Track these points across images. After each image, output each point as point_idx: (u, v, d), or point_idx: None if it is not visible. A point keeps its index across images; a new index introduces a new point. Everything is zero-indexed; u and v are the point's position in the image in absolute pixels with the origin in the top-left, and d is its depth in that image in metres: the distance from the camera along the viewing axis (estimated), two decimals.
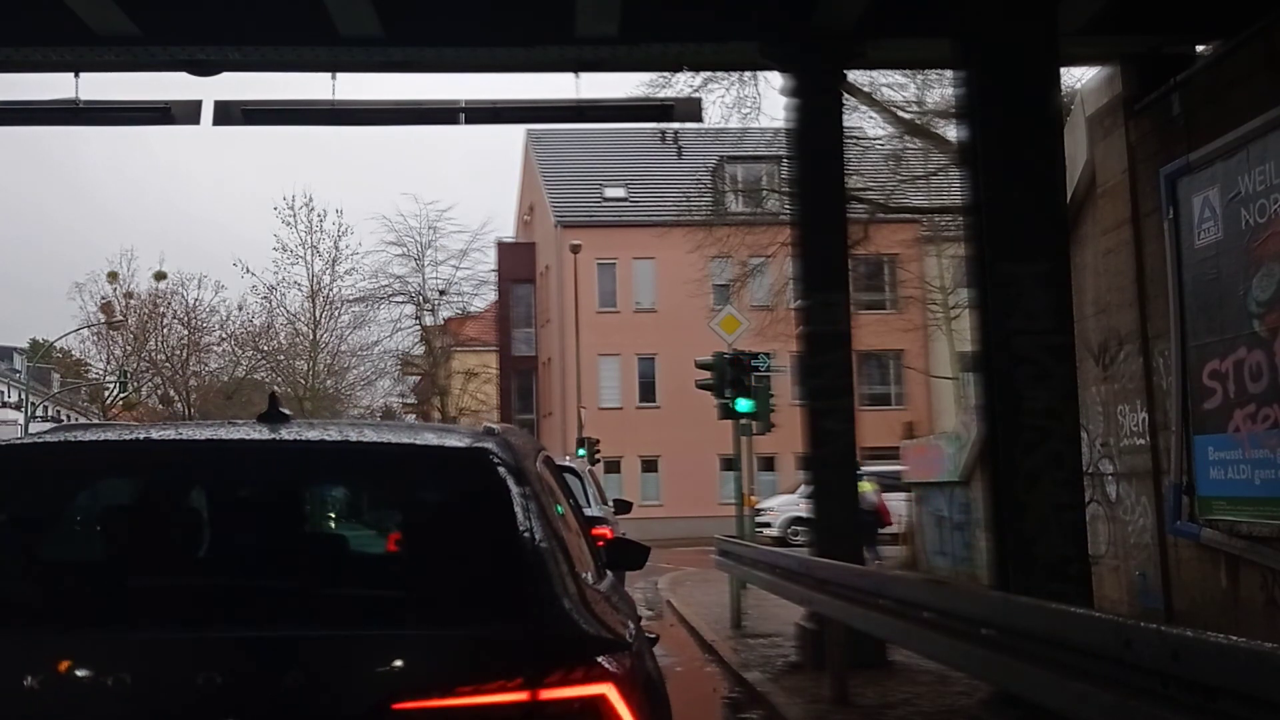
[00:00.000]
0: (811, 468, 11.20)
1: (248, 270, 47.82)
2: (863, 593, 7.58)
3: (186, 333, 67.13)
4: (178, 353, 68.10)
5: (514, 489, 3.07)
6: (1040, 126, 7.34)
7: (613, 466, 40.93)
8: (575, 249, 38.46)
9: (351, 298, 46.85)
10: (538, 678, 2.68)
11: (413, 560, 3.28)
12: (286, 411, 3.40)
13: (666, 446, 41.51)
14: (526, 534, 2.96)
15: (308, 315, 48.27)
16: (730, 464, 42.54)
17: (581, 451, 37.56)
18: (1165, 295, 11.92)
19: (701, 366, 19.87)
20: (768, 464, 42.14)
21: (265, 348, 54.81)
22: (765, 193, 43.67)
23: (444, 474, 3.29)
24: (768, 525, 35.00)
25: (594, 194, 43.62)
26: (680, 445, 41.29)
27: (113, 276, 69.14)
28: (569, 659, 2.74)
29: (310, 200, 47.60)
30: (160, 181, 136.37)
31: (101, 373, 65.30)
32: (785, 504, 34.71)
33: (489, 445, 3.27)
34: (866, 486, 23.07)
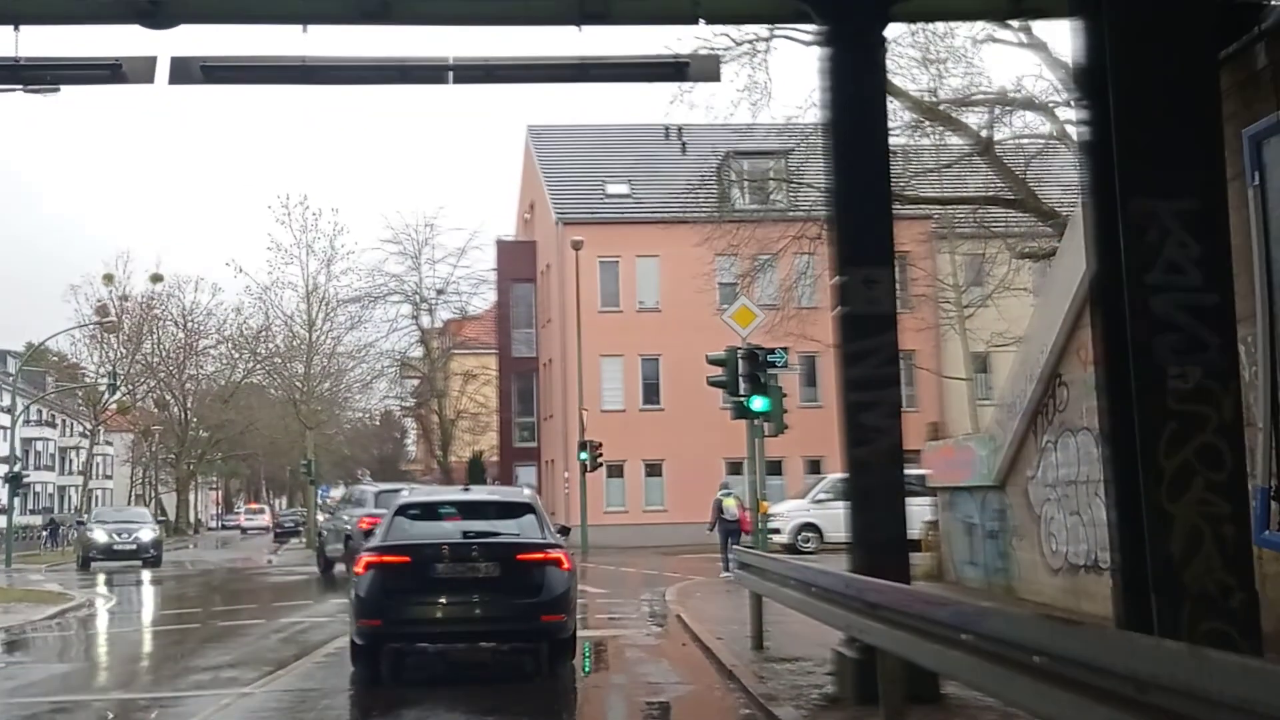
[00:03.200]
0: (850, 470, 9.65)
1: (240, 270, 46.17)
2: (936, 625, 6.04)
3: (183, 336, 65.82)
4: (173, 356, 66.82)
5: (539, 509, 12.25)
6: (1181, 27, 5.82)
7: (615, 471, 39.41)
8: (577, 245, 36.95)
9: (346, 298, 45.36)
10: (550, 548, 11.43)
11: (512, 528, 11.88)
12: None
13: (671, 450, 39.97)
14: (541, 520, 11.93)
15: (303, 317, 46.71)
16: (738, 468, 41.04)
17: (583, 455, 36.08)
18: (1249, 273, 10.38)
19: (713, 362, 18.35)
20: (775, 468, 40.52)
21: (262, 351, 53.30)
22: (773, 187, 42.21)
23: (519, 504, 12.76)
24: (776, 532, 33.41)
25: (596, 190, 42.13)
26: (685, 449, 39.75)
27: (108, 279, 67.82)
28: (556, 548, 11.51)
29: (305, 199, 46.02)
30: (157, 182, 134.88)
31: (94, 376, 63.73)
32: (795, 510, 33.19)
33: (529, 493, 13.75)
34: (731, 501, 23.80)
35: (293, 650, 13.73)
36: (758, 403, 17.45)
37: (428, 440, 49.65)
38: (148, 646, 16.02)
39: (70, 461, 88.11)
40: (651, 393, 40.60)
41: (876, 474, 9.36)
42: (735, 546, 15.14)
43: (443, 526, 11.73)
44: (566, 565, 11.36)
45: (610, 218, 41.10)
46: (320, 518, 37.72)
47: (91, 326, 65.55)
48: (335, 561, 26.00)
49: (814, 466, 40.48)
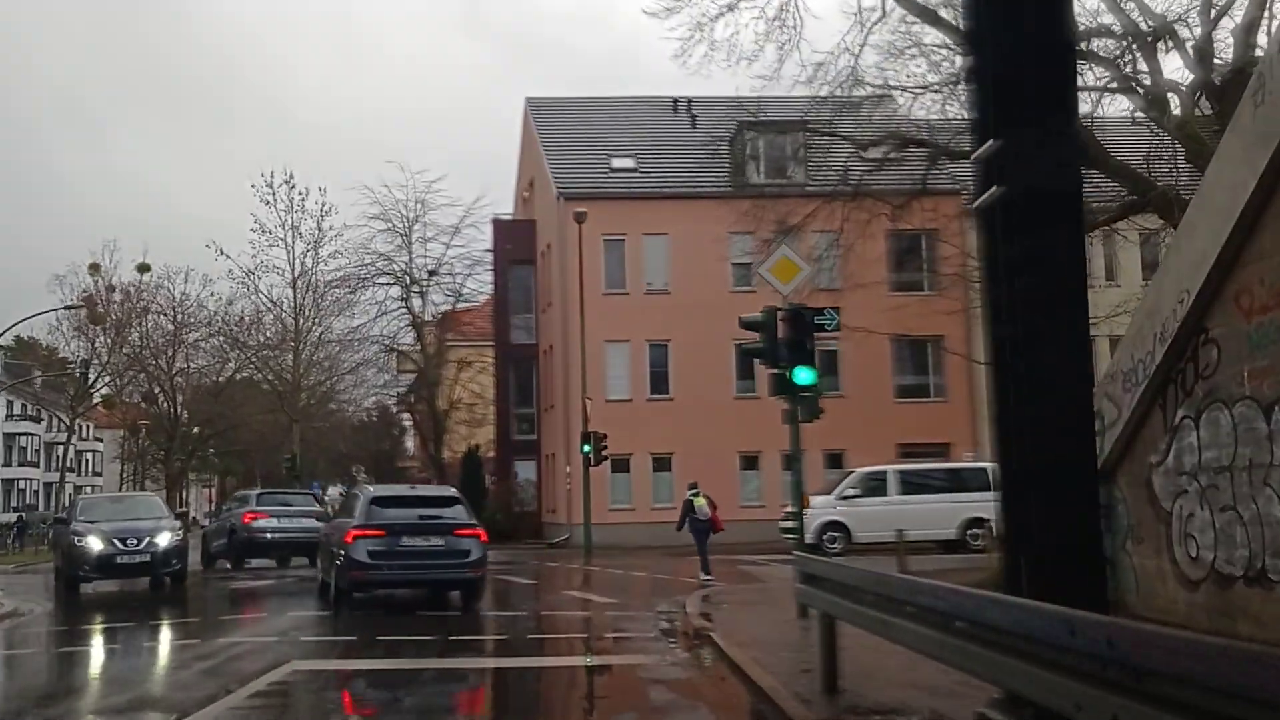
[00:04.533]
0: (1007, 440, 6.23)
1: (221, 252, 42.71)
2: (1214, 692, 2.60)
3: (172, 328, 62.48)
4: (162, 349, 63.67)
5: (464, 501, 18.41)
6: None
7: (620, 465, 36.00)
8: (579, 218, 33.52)
9: (332, 279, 41.94)
10: (475, 527, 17.41)
11: (451, 514, 17.28)
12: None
13: (680, 443, 36.55)
14: (467, 508, 18.03)
15: (289, 303, 43.36)
16: (754, 462, 37.54)
17: (586, 448, 32.71)
18: None
19: (748, 326, 14.90)
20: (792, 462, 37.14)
21: (253, 343, 49.79)
22: (791, 161, 38.82)
23: (452, 497, 18.44)
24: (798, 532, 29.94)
25: (600, 165, 38.72)
26: (696, 441, 36.33)
27: (94, 268, 64.58)
28: (478, 527, 17.65)
29: (291, 177, 42.68)
30: (144, 169, 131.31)
31: (73, 368, 60.37)
32: (820, 507, 29.73)
33: (454, 491, 19.94)
34: (701, 500, 22.73)
35: (210, 687, 10.29)
36: (803, 375, 14.01)
37: (421, 434, 46.22)
38: (30, 678, 12.55)
39: (58, 458, 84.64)
40: (660, 381, 37.17)
41: (1052, 445, 5.90)
42: (798, 553, 11.86)
43: (403, 512, 17.15)
44: (484, 538, 17.60)
45: (615, 193, 37.69)
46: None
47: (76, 318, 62.23)
48: (219, 556, 28.05)
49: (834, 461, 37.03)
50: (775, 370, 14.42)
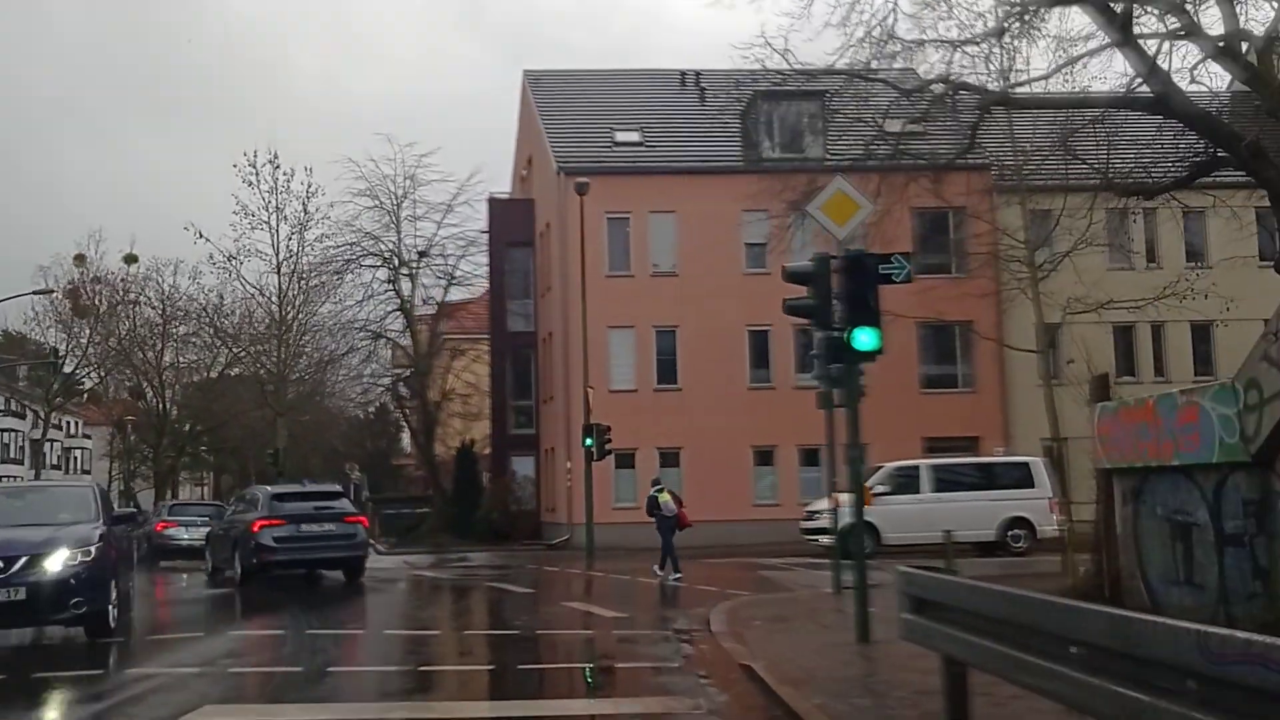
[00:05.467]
0: None
1: (200, 235, 39.56)
2: None
3: (160, 322, 59.45)
4: (150, 342, 60.74)
5: (346, 493, 24.40)
6: None
7: (625, 460, 32.96)
8: (581, 189, 30.46)
9: (315, 260, 38.87)
10: (358, 515, 21.88)
11: (339, 505, 21.10)
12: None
13: (690, 436, 33.54)
14: (349, 499, 23.19)
15: (274, 289, 40.30)
16: (768, 457, 34.46)
17: (589, 441, 29.68)
18: None
19: (795, 278, 11.84)
20: (810, 457, 34.12)
21: (244, 338, 46.56)
22: (808, 134, 35.80)
23: (338, 492, 22.73)
24: (824, 532, 26.92)
25: (603, 138, 35.69)
26: (706, 435, 33.35)
27: (79, 259, 61.68)
28: (361, 515, 23.02)
29: (275, 157, 39.64)
30: (140, 163, 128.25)
31: (48, 357, 57.32)
32: (846, 504, 26.66)
33: (338, 487, 25.38)
34: (666, 496, 21.85)
35: None
36: (865, 338, 10.98)
37: (411, 428, 43.15)
38: None
39: (44, 455, 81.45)
40: (667, 370, 34.14)
41: None
42: (905, 568, 8.92)
43: (300, 505, 20.58)
44: (365, 524, 21.76)
45: (620, 168, 34.65)
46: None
47: (60, 310, 59.49)
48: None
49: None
50: (828, 334, 11.36)
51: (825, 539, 26.77)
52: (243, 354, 44.44)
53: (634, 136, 35.80)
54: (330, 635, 13.37)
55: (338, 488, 23.28)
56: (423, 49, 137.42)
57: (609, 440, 29.96)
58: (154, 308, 58.97)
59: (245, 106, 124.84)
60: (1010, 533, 26.53)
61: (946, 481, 26.97)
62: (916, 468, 26.89)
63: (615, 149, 35.45)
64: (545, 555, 30.98)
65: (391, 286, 38.40)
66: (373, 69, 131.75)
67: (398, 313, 38.48)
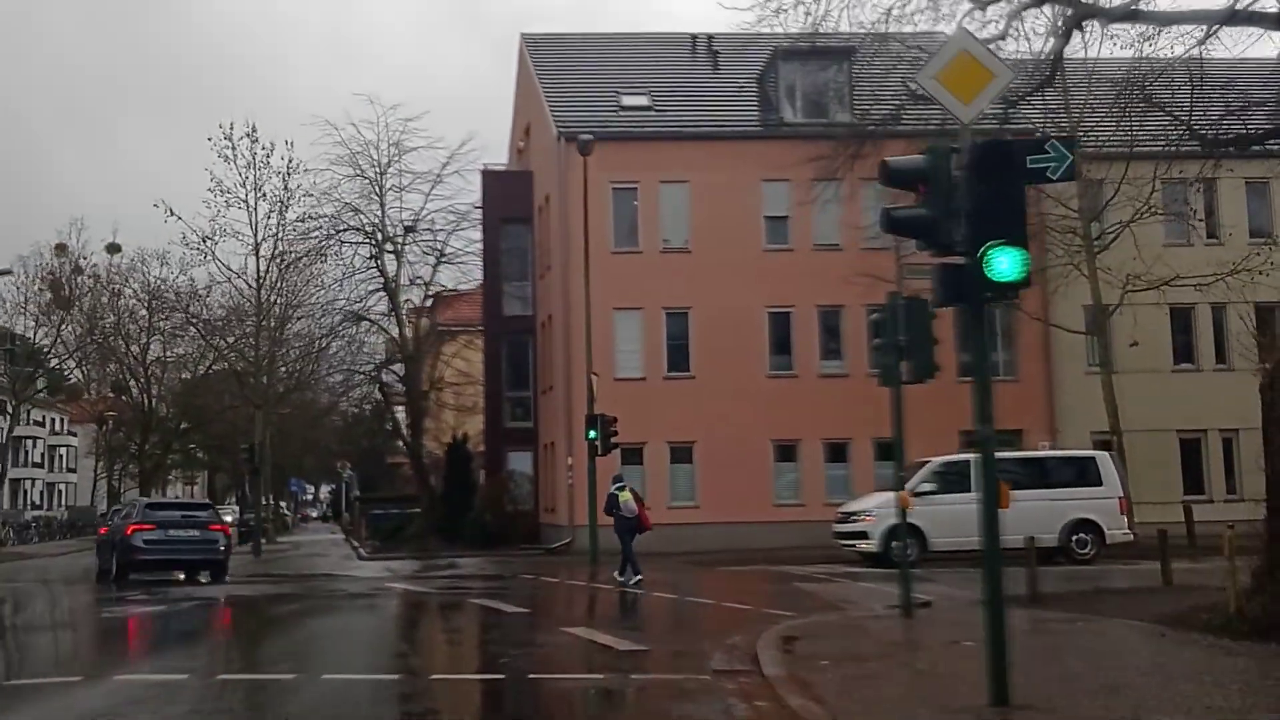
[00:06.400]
0: None
1: (171, 212, 35.86)
2: None
3: (146, 313, 55.87)
4: (135, 335, 57.24)
5: (214, 507, 27.13)
6: None
7: (632, 455, 29.40)
8: (585, 149, 26.88)
9: (293, 236, 35.18)
10: (221, 523, 24.40)
11: (205, 515, 24.10)
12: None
13: (703, 429, 29.97)
14: (216, 512, 26.23)
15: (251, 273, 36.66)
16: (790, 453, 30.82)
17: (592, 433, 26.13)
18: None
19: (897, 178, 8.10)
20: (837, 453, 30.54)
21: (230, 336, 42.84)
22: (832, 99, 32.17)
23: (206, 504, 28.08)
24: (862, 536, 23.38)
25: (608, 102, 32.10)
26: (722, 427, 29.79)
27: (60, 249, 58.19)
28: (224, 523, 25.08)
29: (253, 130, 36.01)
30: (134, 158, 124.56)
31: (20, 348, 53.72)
32: (887, 504, 23.05)
33: (208, 502, 31.23)
34: (627, 495, 20.29)
35: None
36: (1004, 261, 7.37)
37: (395, 421, 39.47)
38: None
39: (27, 452, 77.79)
40: (679, 356, 30.52)
41: None
42: None
43: (170, 514, 23.88)
44: (228, 531, 24.32)
45: (626, 133, 31.04)
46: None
47: (31, 294, 56.05)
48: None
49: (885, 452, 30.31)
50: (950, 259, 7.74)
51: (864, 544, 23.26)
52: (223, 345, 40.70)
53: (642, 101, 32.21)
54: (247, 683, 9.80)
55: (208, 501, 27.50)
56: (419, 48, 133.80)
57: (615, 433, 26.39)
58: (139, 300, 55.46)
59: (238, 100, 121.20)
60: (1075, 537, 22.97)
61: (1002, 479, 23.31)
62: (966, 463, 23.24)
63: (621, 114, 31.85)
64: (544, 562, 27.43)
65: (375, 264, 34.75)
66: (366, 68, 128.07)
67: (381, 293, 34.81)
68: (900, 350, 13.73)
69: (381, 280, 34.66)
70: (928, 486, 23.00)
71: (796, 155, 30.99)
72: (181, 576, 23.12)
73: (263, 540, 45.93)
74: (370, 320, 35.71)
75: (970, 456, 23.95)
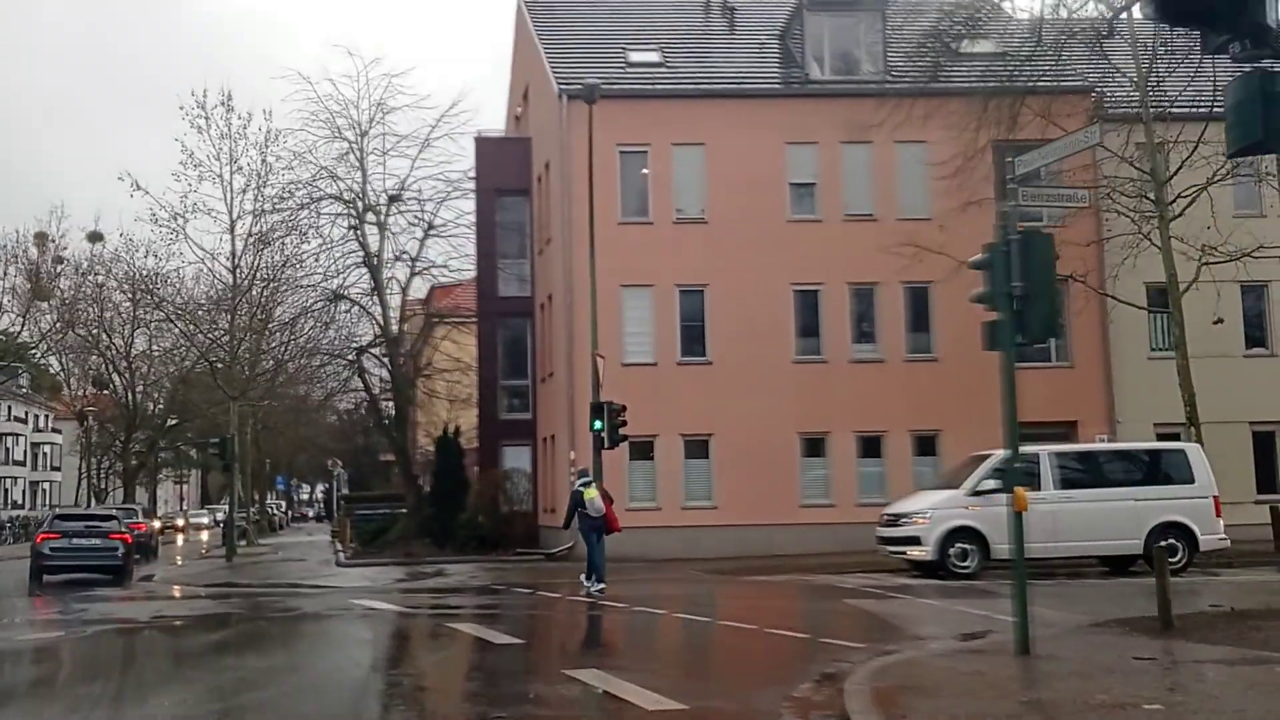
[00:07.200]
0: None
1: (138, 186, 32.38)
2: None
3: (130, 306, 52.45)
4: (117, 328, 53.86)
5: (119, 516, 26.33)
6: None
7: (641, 450, 25.98)
8: (590, 95, 23.33)
9: (269, 212, 31.58)
10: (122, 533, 24.91)
11: (108, 525, 24.90)
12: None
13: (721, 420, 26.49)
14: (120, 520, 25.75)
15: (226, 254, 33.17)
16: (816, 446, 26.88)
17: (598, 424, 22.63)
18: None
19: None
20: (870, 447, 27.05)
21: (210, 319, 39.37)
22: (864, 57, 28.74)
23: (111, 515, 26.57)
24: (914, 542, 19.85)
25: (614, 58, 28.61)
26: (742, 419, 26.34)
27: (41, 237, 54.74)
28: (126, 533, 25.21)
29: (228, 98, 32.54)
30: (109, 146, 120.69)
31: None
32: (943, 506, 19.59)
33: (113, 512, 27.45)
34: (593, 492, 18.43)
35: None
36: None
37: (379, 411, 35.85)
38: None
39: (9, 450, 74.26)
40: (694, 338, 27.03)
41: None
42: None
43: (75, 524, 25.17)
44: (129, 540, 25.19)
45: (635, 90, 27.58)
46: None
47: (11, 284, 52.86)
48: None
49: (924, 446, 26.97)
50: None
51: (915, 551, 19.75)
52: (195, 330, 37.14)
53: (652, 57, 28.73)
54: None
55: (113, 512, 27.57)
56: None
57: (623, 422, 22.87)
58: (123, 291, 52.07)
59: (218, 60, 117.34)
60: (1167, 541, 19.43)
61: (1075, 475, 19.91)
62: (1036, 457, 19.80)
63: (630, 70, 28.37)
64: (543, 569, 24.00)
65: (355, 235, 31.15)
66: (349, 21, 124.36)
67: (362, 269, 31.23)
68: (1013, 302, 10.29)
69: (362, 254, 31.12)
70: (990, 484, 19.46)
71: (824, 116, 27.74)
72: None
73: (243, 542, 42.63)
74: (350, 299, 32.10)
75: (1039, 449, 20.52)
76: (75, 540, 24.05)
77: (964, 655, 10.57)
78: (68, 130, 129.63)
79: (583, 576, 18.49)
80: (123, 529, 25.18)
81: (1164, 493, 19.68)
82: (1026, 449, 20.64)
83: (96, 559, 24.01)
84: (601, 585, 17.85)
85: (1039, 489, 19.65)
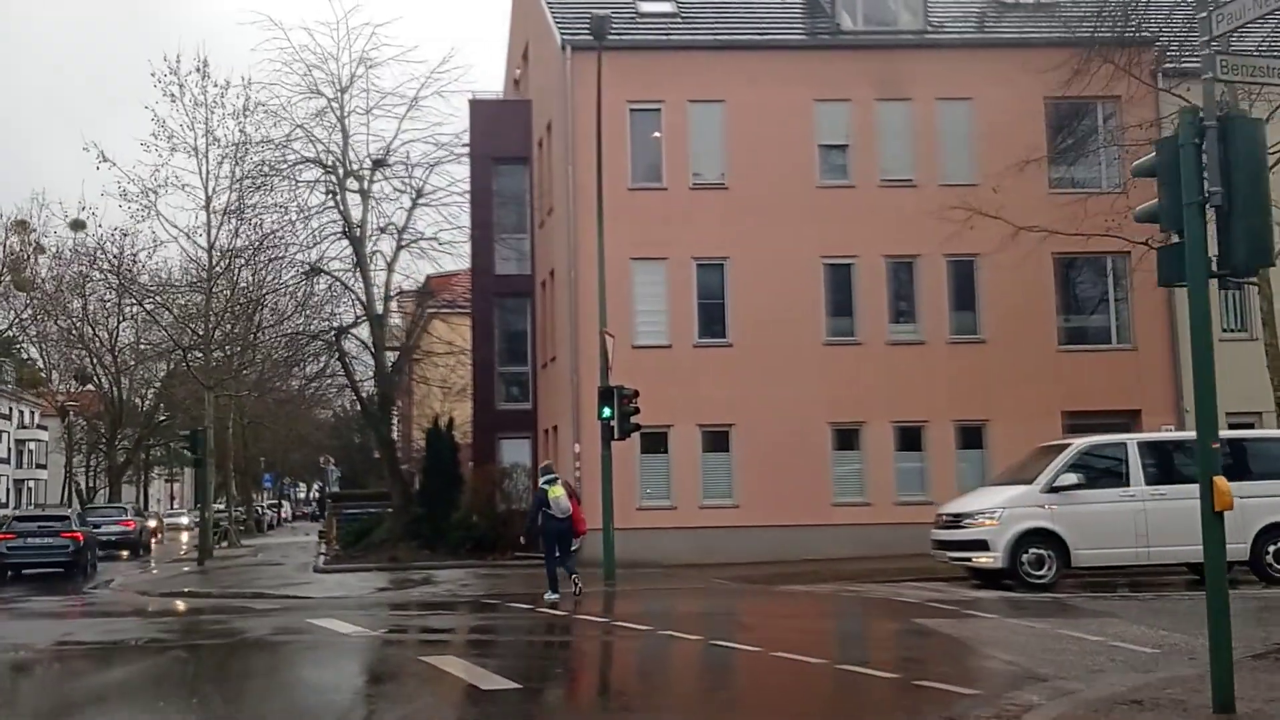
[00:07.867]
0: None
1: (104, 157, 29.35)
2: None
3: (115, 297, 49.49)
4: (102, 320, 51.04)
5: (72, 515, 28.02)
6: None
7: (654, 442, 23.01)
8: (599, 29, 20.22)
9: (245, 184, 28.46)
10: (75, 532, 25.97)
11: (60, 525, 26.31)
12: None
13: (744, 410, 23.49)
14: (72, 520, 26.94)
15: (202, 232, 30.14)
16: (848, 439, 22.46)
17: (606, 411, 19.62)
18: None
19: None
20: (909, 439, 24.02)
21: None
22: (901, 7, 25.75)
23: (64, 515, 27.88)
24: (980, 548, 16.76)
25: (625, 7, 25.52)
26: (767, 408, 23.34)
27: (21, 225, 51.96)
28: (77, 531, 26.18)
29: (204, 64, 29.49)
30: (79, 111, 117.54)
31: None
32: (1015, 504, 16.50)
33: (69, 512, 29.05)
34: (559, 491, 16.72)
35: None
36: None
37: (360, 399, 32.77)
38: None
39: None
40: (712, 318, 24.01)
41: None
42: None
43: (30, 524, 26.62)
44: (80, 538, 25.94)
45: (647, 41, 24.57)
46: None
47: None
48: None
49: (970, 438, 23.97)
50: None
51: (982, 558, 16.67)
52: (168, 315, 34.14)
53: (666, 6, 25.73)
54: None
55: (66, 513, 28.83)
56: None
57: (636, 410, 19.87)
58: (108, 283, 49.09)
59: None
60: (1271, 548, 16.47)
61: (1166, 468, 16.81)
62: (1122, 446, 16.79)
63: (641, 20, 25.36)
64: (544, 578, 20.93)
65: (334, 202, 27.98)
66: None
67: (342, 240, 28.07)
68: (1206, 214, 7.30)
69: (343, 225, 28.01)
70: (1070, 479, 16.44)
71: (857, 70, 24.77)
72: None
73: (223, 543, 39.67)
74: (328, 273, 28.99)
75: (1126, 438, 17.47)
76: (29, 540, 25.75)
77: (1138, 713, 7.52)
78: (55, 122, 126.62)
79: (551, 592, 16.33)
80: (75, 528, 26.41)
81: (1272, 488, 16.66)
82: (1112, 438, 17.72)
83: (49, 556, 25.69)
84: (556, 595, 16.15)
85: (1127, 484, 16.69)
